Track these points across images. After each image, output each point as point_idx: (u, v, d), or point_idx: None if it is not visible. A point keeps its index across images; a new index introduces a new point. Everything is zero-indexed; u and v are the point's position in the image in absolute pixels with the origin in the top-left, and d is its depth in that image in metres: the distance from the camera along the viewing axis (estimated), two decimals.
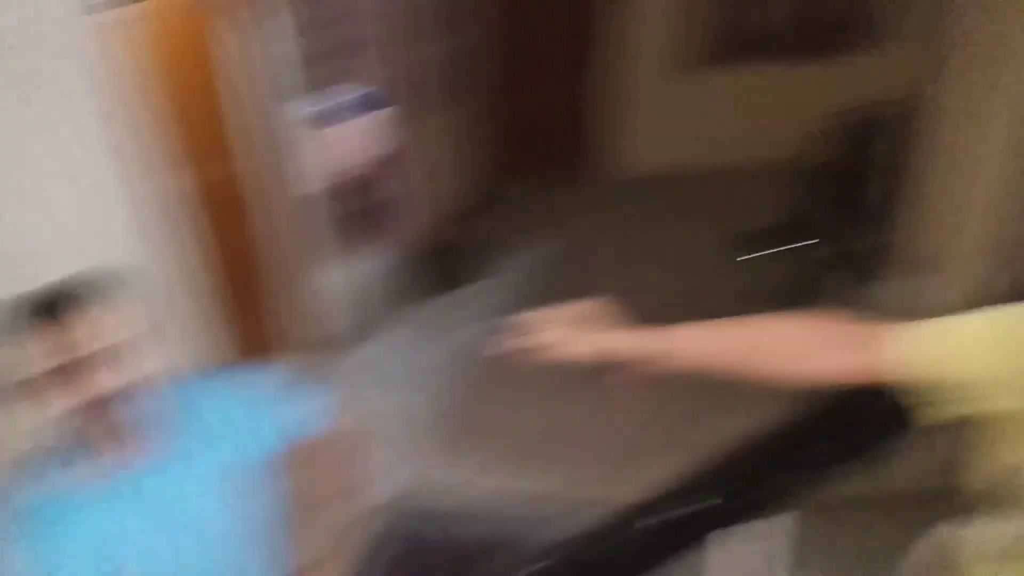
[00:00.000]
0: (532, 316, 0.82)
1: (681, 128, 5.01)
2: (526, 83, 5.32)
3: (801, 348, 0.73)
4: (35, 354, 0.96)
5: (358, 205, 4.88)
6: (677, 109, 4.96)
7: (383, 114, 4.13)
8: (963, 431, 0.64)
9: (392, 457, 2.73)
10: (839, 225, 3.77)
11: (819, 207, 4.01)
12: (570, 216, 4.83)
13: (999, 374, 0.59)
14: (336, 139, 4.61)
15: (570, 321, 0.80)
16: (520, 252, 4.39)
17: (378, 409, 3.02)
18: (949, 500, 0.74)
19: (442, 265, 4.14)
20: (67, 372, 0.96)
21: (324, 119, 3.61)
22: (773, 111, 4.72)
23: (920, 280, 2.88)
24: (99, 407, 0.99)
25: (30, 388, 0.96)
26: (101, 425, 1.02)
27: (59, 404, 0.98)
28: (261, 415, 1.19)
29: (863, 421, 0.73)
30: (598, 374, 0.80)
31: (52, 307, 0.98)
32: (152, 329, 1.04)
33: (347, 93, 3.82)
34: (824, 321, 0.75)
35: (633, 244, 4.37)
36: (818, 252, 3.84)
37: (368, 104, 3.95)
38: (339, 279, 3.61)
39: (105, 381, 0.98)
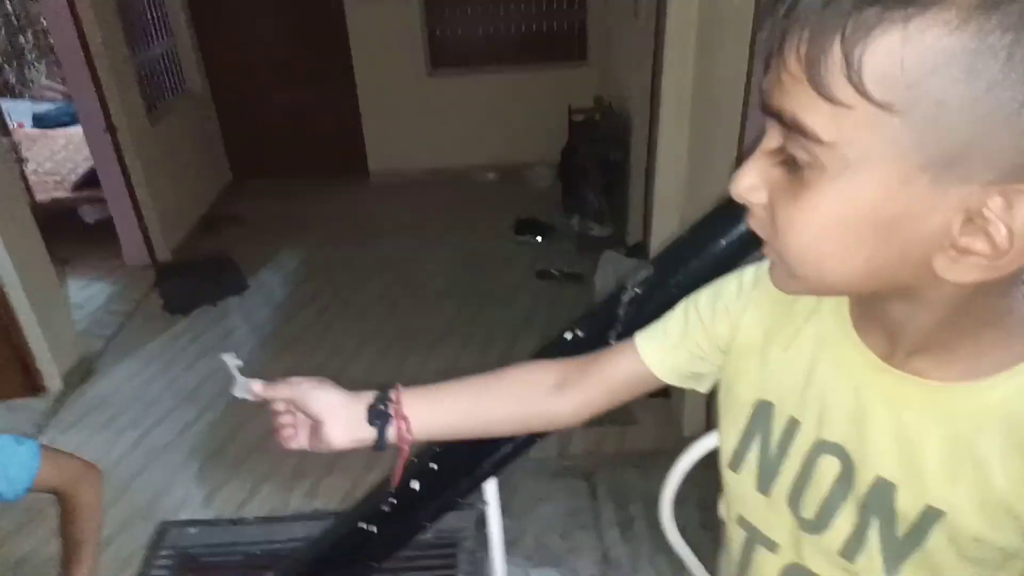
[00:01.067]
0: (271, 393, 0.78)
1: (429, 129, 5.20)
2: (267, 87, 5.14)
3: (529, 399, 0.76)
4: None
5: (72, 224, 4.41)
6: (425, 111, 5.14)
7: (84, 127, 3.75)
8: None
9: (150, 491, 2.59)
10: (579, 216, 4.20)
11: (565, 200, 4.44)
12: (336, 218, 4.82)
13: (694, 353, 0.69)
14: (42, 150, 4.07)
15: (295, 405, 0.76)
16: (285, 259, 4.27)
17: (119, 446, 2.83)
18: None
19: (182, 283, 3.86)
20: None
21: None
22: (506, 112, 5.10)
23: (635, 261, 3.33)
24: None
25: None
26: None
27: None
28: None
29: None
30: None
31: None
32: None
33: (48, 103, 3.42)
34: (541, 368, 0.77)
35: (411, 236, 4.50)
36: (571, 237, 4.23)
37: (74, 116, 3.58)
38: (61, 306, 3.24)
39: None
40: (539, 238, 4.28)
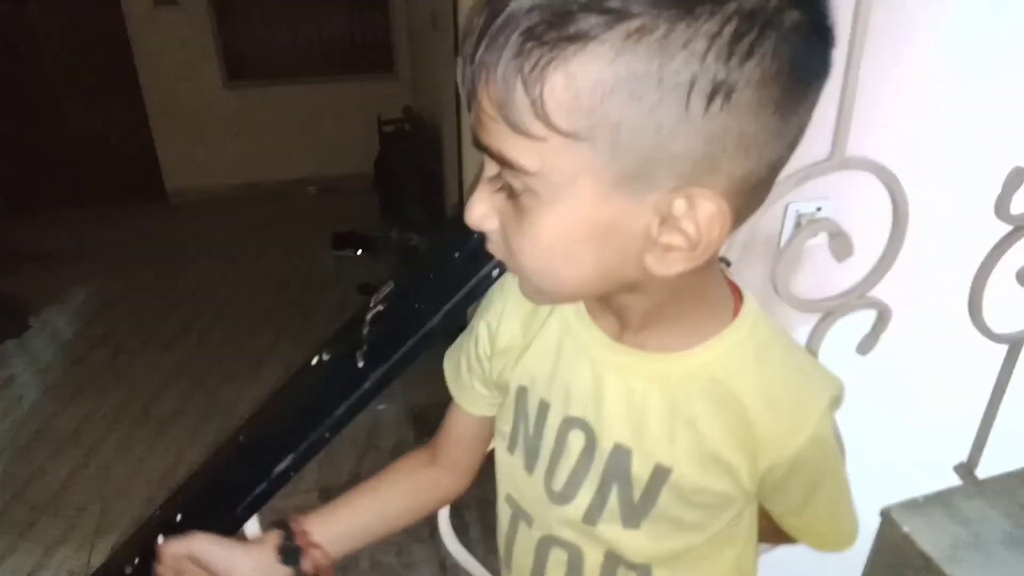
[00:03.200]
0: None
1: (233, 144, 4.94)
2: (43, 107, 4.62)
3: (416, 486, 0.80)
4: None
5: None
6: (226, 126, 4.88)
7: None
8: None
9: None
10: (398, 227, 4.16)
11: (383, 211, 4.38)
12: (132, 245, 4.43)
13: (484, 381, 0.73)
14: None
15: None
16: (74, 294, 3.86)
17: None
18: None
19: None
20: None
21: None
22: (317, 125, 4.97)
23: None
24: None
25: None
26: None
27: None
28: None
29: None
30: None
31: None
32: None
33: None
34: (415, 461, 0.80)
35: (221, 258, 4.23)
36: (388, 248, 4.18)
37: None
38: None
39: None
40: (359, 252, 4.20)
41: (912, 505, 0.98)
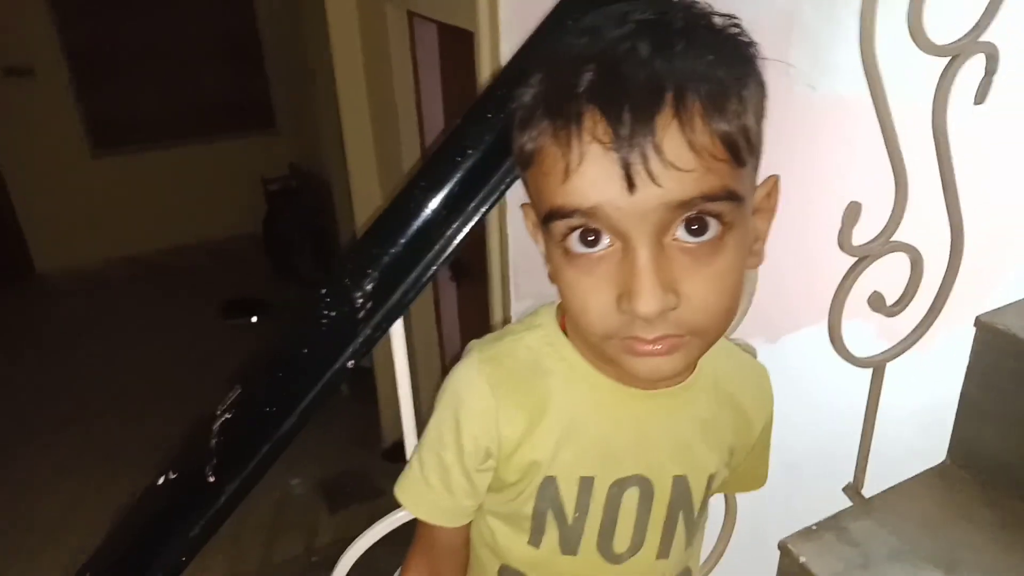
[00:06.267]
0: None
1: (106, 216, 4.65)
2: None
3: None
4: None
5: None
6: (97, 197, 4.58)
7: None
8: None
9: None
10: (294, 287, 4.02)
11: (277, 272, 4.23)
12: (6, 332, 4.07)
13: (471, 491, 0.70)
14: None
15: None
16: None
17: None
18: None
19: None
20: None
21: None
22: (198, 188, 4.77)
23: None
24: None
25: None
26: None
27: None
28: None
29: None
30: None
31: None
32: None
33: None
34: None
35: (102, 340, 3.93)
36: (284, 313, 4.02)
37: None
38: None
39: None
40: (253, 318, 4.03)
41: (806, 533, 1.00)
